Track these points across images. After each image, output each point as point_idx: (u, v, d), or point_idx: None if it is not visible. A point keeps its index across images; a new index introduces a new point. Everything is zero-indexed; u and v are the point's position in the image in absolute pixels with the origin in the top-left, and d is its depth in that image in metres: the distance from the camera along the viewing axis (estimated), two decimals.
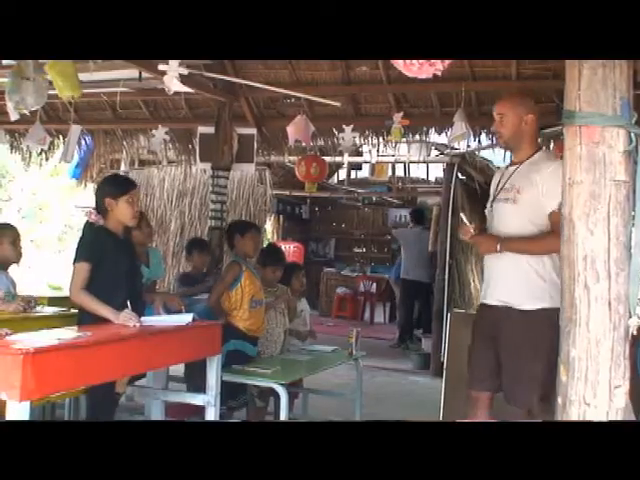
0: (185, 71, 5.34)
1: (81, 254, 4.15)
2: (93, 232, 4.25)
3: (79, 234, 4.39)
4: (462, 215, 4.41)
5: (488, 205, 4.28)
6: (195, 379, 5.27)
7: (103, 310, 4.05)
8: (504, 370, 4.03)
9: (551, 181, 3.84)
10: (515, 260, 3.98)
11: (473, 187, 10.50)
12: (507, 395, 4.05)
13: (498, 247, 4.00)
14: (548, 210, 3.90)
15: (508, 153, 7.46)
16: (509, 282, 4.03)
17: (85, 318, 4.14)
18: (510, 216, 4.06)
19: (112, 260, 4.20)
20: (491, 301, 4.12)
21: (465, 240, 4.28)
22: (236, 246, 5.61)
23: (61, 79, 5.25)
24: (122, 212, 4.29)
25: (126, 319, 4.00)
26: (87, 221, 4.32)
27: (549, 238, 3.85)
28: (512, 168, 4.18)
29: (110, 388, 4.19)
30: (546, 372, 3.70)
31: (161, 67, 5.32)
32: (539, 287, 3.94)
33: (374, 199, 16.42)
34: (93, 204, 4.40)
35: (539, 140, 4.48)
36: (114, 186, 4.36)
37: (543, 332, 3.78)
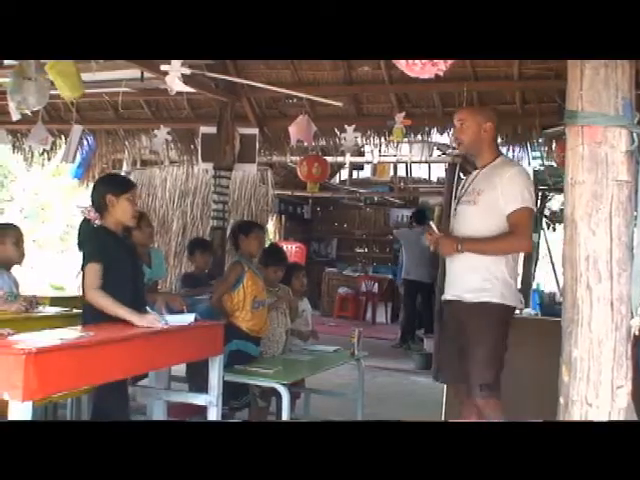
0: (187, 71, 5.35)
1: (91, 255, 4.09)
2: (97, 232, 4.21)
3: (77, 234, 4.35)
4: (431, 224, 4.56)
5: (452, 208, 4.49)
6: (197, 379, 5.27)
7: (123, 311, 3.98)
8: (460, 360, 4.24)
9: (510, 185, 4.11)
10: (471, 260, 4.18)
11: None
12: (460, 384, 4.29)
13: (458, 247, 4.20)
14: (506, 212, 4.12)
15: (510, 153, 7.58)
16: (464, 278, 4.25)
17: (89, 317, 4.11)
18: (470, 217, 4.28)
19: (117, 260, 4.16)
20: (448, 296, 4.36)
21: (428, 242, 4.41)
22: (241, 246, 5.61)
23: (61, 79, 5.25)
24: (123, 210, 4.25)
25: (152, 321, 3.95)
26: (84, 219, 4.27)
27: (506, 239, 4.13)
28: (475, 172, 4.41)
29: (118, 386, 4.07)
30: (490, 361, 4.07)
31: (163, 67, 5.32)
32: (491, 284, 4.15)
33: (376, 199, 16.42)
34: (90, 202, 4.32)
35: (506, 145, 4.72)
36: (116, 184, 4.34)
37: (489, 323, 4.10)
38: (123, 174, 5.21)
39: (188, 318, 4.22)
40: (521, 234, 4.13)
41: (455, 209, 4.44)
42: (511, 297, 4.20)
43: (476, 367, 4.11)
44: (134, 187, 4.43)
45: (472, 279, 4.19)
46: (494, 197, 4.16)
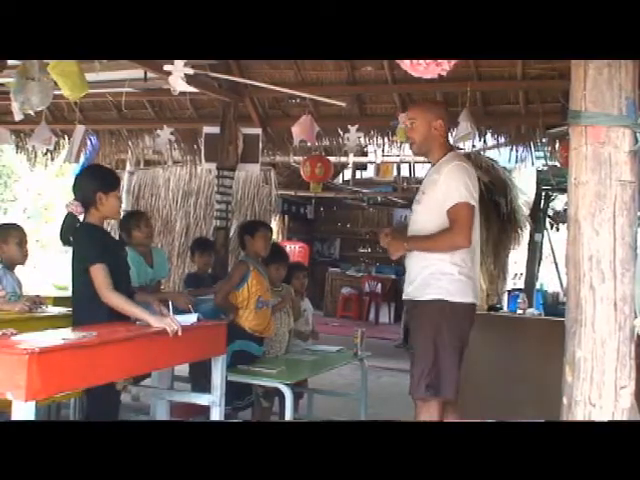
0: (190, 71, 5.34)
1: (94, 256, 4.03)
2: (90, 231, 4.19)
3: (61, 228, 4.31)
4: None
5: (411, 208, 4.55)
6: (200, 379, 5.27)
7: (139, 312, 3.97)
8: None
9: (447, 181, 4.16)
10: (418, 257, 4.24)
11: (478, 187, 10.48)
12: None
13: (405, 246, 4.26)
14: (446, 208, 4.15)
15: (513, 153, 7.58)
16: (412, 277, 4.30)
17: (80, 318, 4.09)
18: (417, 215, 4.35)
19: (112, 258, 4.15)
20: (404, 296, 4.40)
21: (383, 245, 4.43)
22: (247, 246, 5.62)
23: (63, 79, 5.25)
24: (111, 207, 4.23)
25: (169, 324, 3.91)
26: (69, 214, 4.22)
27: (444, 235, 4.16)
28: (428, 170, 4.49)
29: (109, 389, 4.06)
30: (431, 360, 4.09)
31: (166, 67, 5.32)
32: (435, 280, 4.17)
33: (379, 199, 16.42)
34: (75, 196, 4.29)
35: (450, 143, 4.76)
36: (105, 181, 4.26)
37: (430, 321, 4.12)
38: (107, 167, 5.13)
39: (191, 318, 4.22)
40: (458, 230, 4.13)
41: (411, 209, 4.50)
42: (459, 292, 4.17)
43: (419, 367, 4.14)
44: (120, 183, 4.43)
45: (419, 277, 4.22)
46: (435, 194, 4.20)
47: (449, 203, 4.13)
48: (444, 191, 4.16)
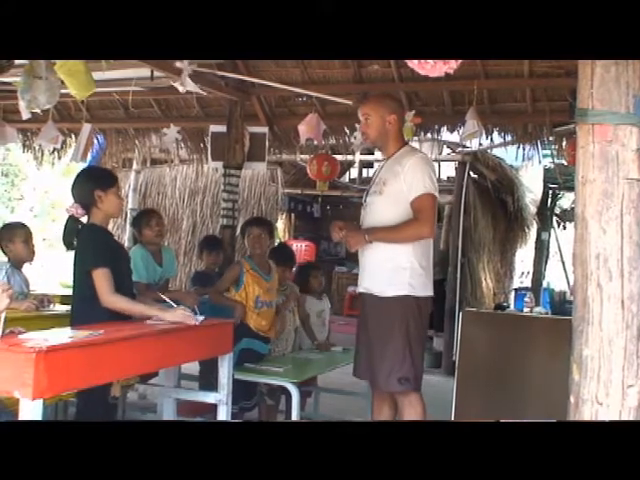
0: (197, 70, 5.35)
1: (97, 259, 4.01)
2: (93, 233, 4.16)
3: (63, 233, 4.26)
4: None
5: (363, 200, 4.59)
6: (209, 377, 5.28)
7: (149, 310, 4.01)
8: (370, 354, 4.31)
9: (411, 172, 4.20)
10: (378, 250, 4.26)
11: (485, 185, 10.49)
12: (370, 378, 4.39)
13: (366, 238, 4.27)
14: (409, 199, 4.19)
15: (520, 151, 7.56)
16: (372, 270, 4.32)
17: (79, 319, 4.04)
18: (378, 207, 4.36)
19: (116, 259, 4.13)
20: (360, 289, 4.42)
21: (337, 239, 4.49)
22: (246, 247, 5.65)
23: (70, 79, 5.24)
24: (111, 205, 4.20)
25: (182, 317, 3.97)
26: (70, 217, 4.19)
27: (410, 225, 4.19)
28: (382, 163, 4.55)
29: (103, 393, 4.03)
30: (402, 354, 4.14)
31: (179, 64, 5.33)
32: (398, 275, 4.21)
33: None
34: (73, 199, 4.26)
35: (405, 137, 4.84)
36: (102, 179, 4.24)
37: (399, 317, 4.16)
38: (102, 167, 5.03)
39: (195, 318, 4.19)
40: (423, 220, 4.18)
41: (365, 201, 4.52)
42: (421, 287, 4.25)
43: (389, 362, 4.17)
44: (118, 180, 4.39)
45: (380, 272, 4.25)
46: (398, 185, 4.23)
47: (414, 194, 4.18)
48: (409, 182, 4.20)
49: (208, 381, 5.40)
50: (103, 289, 3.96)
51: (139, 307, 4.01)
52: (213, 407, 4.48)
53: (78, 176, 4.40)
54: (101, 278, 3.97)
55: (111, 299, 3.96)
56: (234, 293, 5.45)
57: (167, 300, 4.28)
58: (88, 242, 4.14)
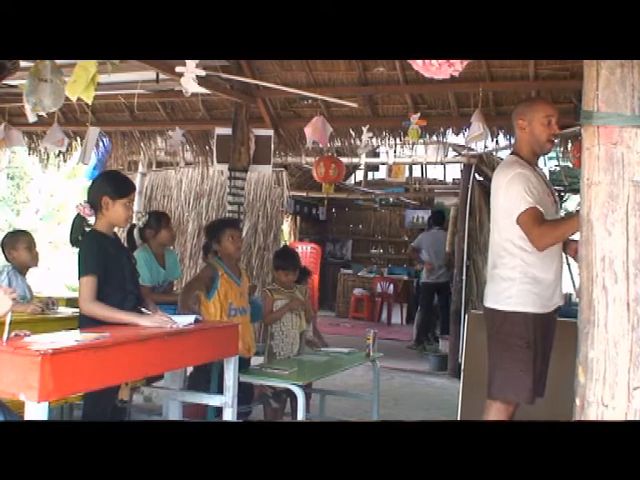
0: (202, 72, 5.36)
1: (87, 267, 4.04)
2: (90, 239, 4.16)
3: (71, 229, 4.26)
4: None
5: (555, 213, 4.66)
6: (200, 384, 5.25)
7: (126, 317, 3.98)
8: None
9: None
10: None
11: (485, 187, 10.47)
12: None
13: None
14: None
15: None
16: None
17: (85, 321, 4.05)
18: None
19: (116, 265, 4.14)
20: (554, 307, 4.46)
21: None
22: (219, 251, 5.56)
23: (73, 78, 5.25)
24: (117, 214, 4.18)
25: (159, 321, 3.97)
26: (78, 215, 4.18)
27: None
28: (535, 172, 4.48)
29: (110, 396, 4.07)
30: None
31: (178, 69, 5.34)
32: None
33: (391, 200, 16.37)
34: (86, 198, 4.28)
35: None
36: (115, 187, 4.22)
37: None
38: (125, 175, 4.97)
39: (188, 319, 4.19)
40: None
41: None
42: None
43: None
44: (133, 192, 4.33)
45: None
46: None
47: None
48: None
49: (198, 382, 5.37)
50: (82, 296, 4.00)
51: (118, 315, 3.98)
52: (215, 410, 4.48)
53: (97, 177, 4.43)
54: (83, 286, 4.00)
55: (88, 306, 3.99)
56: (207, 303, 5.36)
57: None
58: (82, 249, 4.15)
